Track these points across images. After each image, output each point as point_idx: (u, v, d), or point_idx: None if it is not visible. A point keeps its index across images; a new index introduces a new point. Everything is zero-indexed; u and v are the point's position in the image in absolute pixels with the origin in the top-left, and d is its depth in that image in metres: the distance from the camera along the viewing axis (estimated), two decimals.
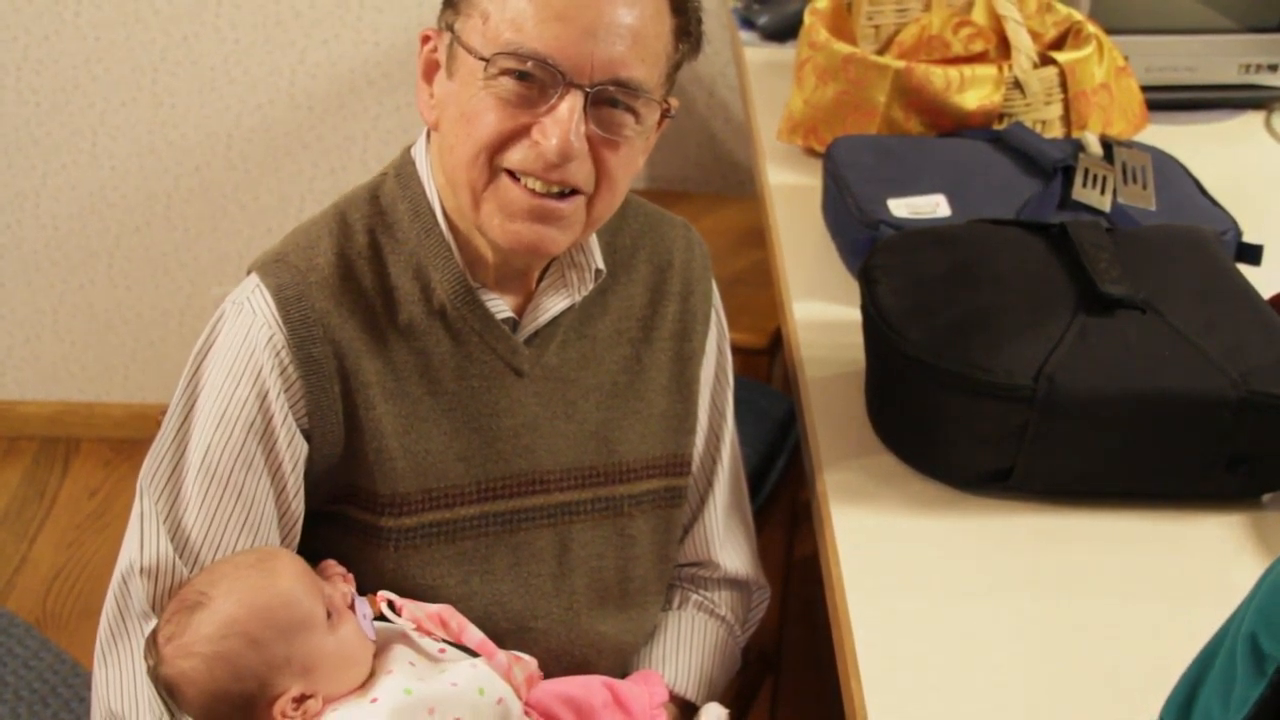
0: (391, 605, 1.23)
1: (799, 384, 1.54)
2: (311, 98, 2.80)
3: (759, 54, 2.39)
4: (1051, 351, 1.33)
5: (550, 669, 1.31)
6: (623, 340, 1.35)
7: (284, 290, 1.22)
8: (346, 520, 1.28)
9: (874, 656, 1.17)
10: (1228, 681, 0.82)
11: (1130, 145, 1.78)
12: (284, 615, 1.14)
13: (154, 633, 1.17)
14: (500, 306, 1.28)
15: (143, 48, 2.74)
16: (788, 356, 1.63)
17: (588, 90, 1.16)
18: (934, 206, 1.68)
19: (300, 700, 1.15)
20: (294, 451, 1.22)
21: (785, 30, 2.38)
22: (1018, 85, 1.84)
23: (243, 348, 1.21)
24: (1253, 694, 0.79)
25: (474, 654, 1.22)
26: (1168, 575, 1.28)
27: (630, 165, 1.23)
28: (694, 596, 1.46)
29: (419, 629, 1.23)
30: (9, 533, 2.81)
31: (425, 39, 1.25)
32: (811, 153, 1.96)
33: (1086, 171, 1.69)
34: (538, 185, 1.19)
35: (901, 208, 1.67)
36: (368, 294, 1.25)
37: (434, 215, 1.27)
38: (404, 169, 1.29)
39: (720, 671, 1.44)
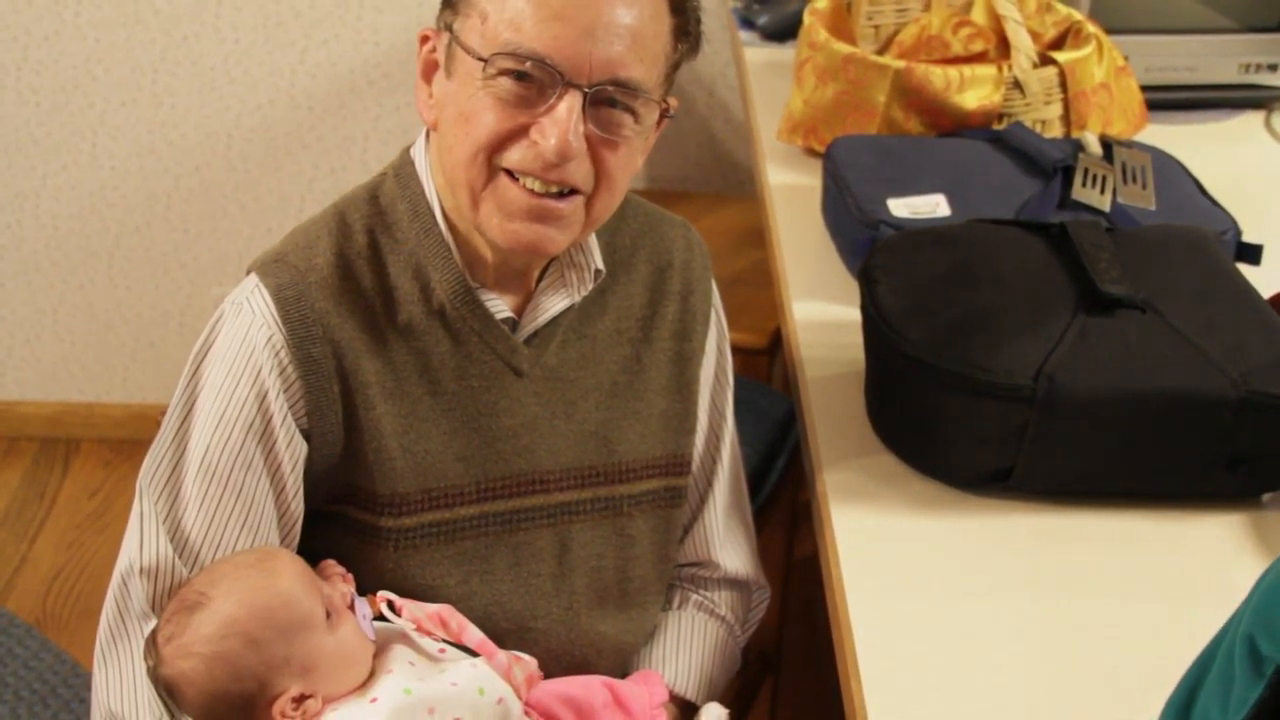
0: (391, 605, 1.23)
1: (799, 384, 1.54)
2: (311, 98, 2.80)
3: (759, 54, 2.39)
4: (1051, 351, 1.33)
5: (550, 669, 1.31)
6: (622, 340, 1.35)
7: (283, 290, 1.22)
8: (346, 520, 1.28)
9: (874, 656, 1.17)
10: (1226, 684, 0.82)
11: (1130, 145, 1.78)
12: (284, 615, 1.14)
13: (153, 633, 1.17)
14: (500, 306, 1.28)
15: (143, 48, 2.74)
16: (788, 356, 1.63)
17: (586, 90, 1.16)
18: (934, 206, 1.67)
19: (300, 700, 1.15)
20: (293, 451, 1.22)
21: (785, 30, 2.38)
22: (1017, 85, 1.84)
23: (242, 348, 1.21)
24: (1251, 696, 0.79)
25: (474, 654, 1.22)
26: (1168, 575, 1.28)
27: (629, 165, 1.23)
28: (694, 596, 1.46)
29: (419, 629, 1.23)
30: (9, 533, 2.81)
31: (424, 39, 1.25)
32: (811, 153, 1.96)
33: (1086, 171, 1.69)
34: (536, 185, 1.19)
35: (901, 208, 1.67)
36: (367, 294, 1.25)
37: (433, 215, 1.27)
38: (403, 169, 1.29)
39: (720, 671, 1.44)
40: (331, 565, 1.26)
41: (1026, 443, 1.32)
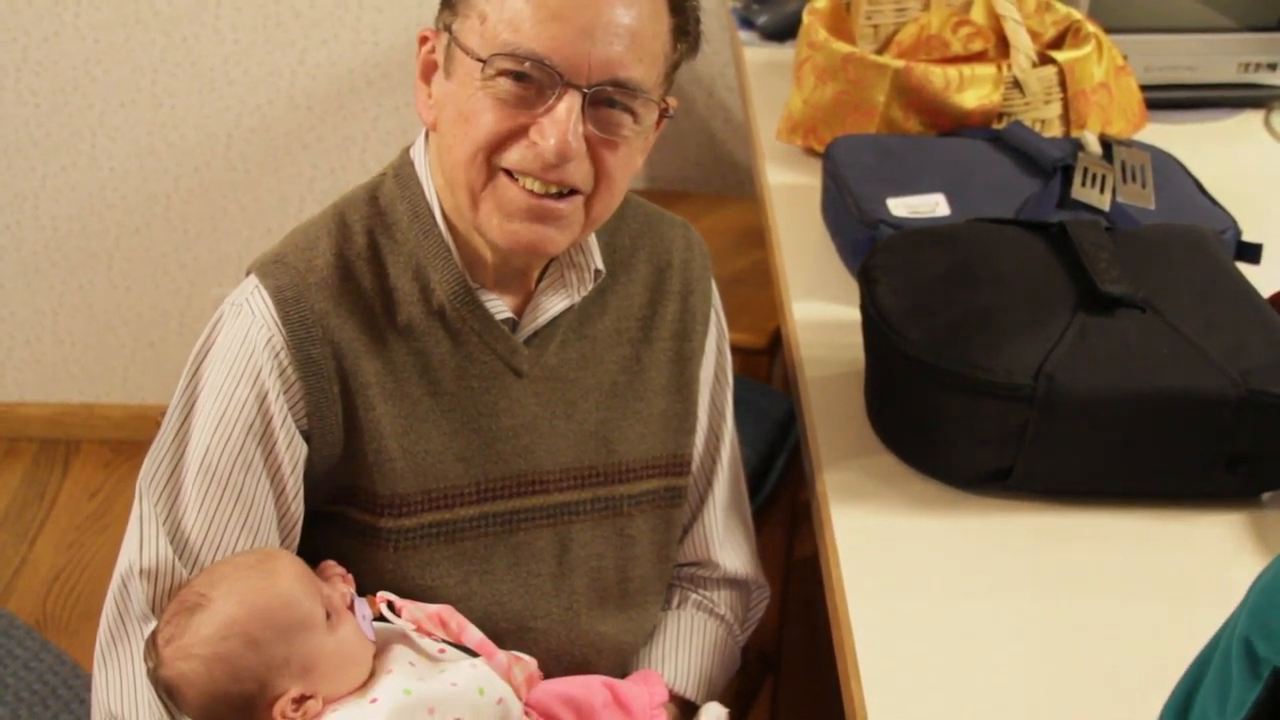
0: (391, 606, 1.23)
1: (799, 384, 1.54)
2: (311, 98, 2.80)
3: (758, 54, 2.39)
4: (1051, 351, 1.33)
5: (550, 669, 1.31)
6: (622, 340, 1.35)
7: (283, 291, 1.22)
8: (346, 521, 1.28)
9: (874, 656, 1.17)
10: (1223, 686, 0.82)
11: (1129, 144, 1.78)
12: (283, 616, 1.14)
13: (153, 634, 1.17)
14: (499, 307, 1.28)
15: (142, 49, 2.74)
16: (787, 356, 1.63)
17: (585, 91, 1.16)
18: (933, 206, 1.67)
19: (300, 701, 1.15)
20: (293, 452, 1.22)
21: (784, 30, 2.37)
22: (1017, 84, 1.84)
23: (242, 349, 1.21)
24: (1249, 697, 0.79)
25: (474, 654, 1.22)
26: (1168, 575, 1.28)
27: (629, 165, 1.23)
28: (693, 596, 1.46)
29: (419, 629, 1.23)
30: (9, 534, 2.81)
31: (423, 39, 1.25)
32: (811, 152, 1.96)
33: (1086, 171, 1.69)
34: (536, 185, 1.19)
35: (901, 207, 1.67)
36: (367, 295, 1.25)
37: (433, 216, 1.27)
38: (403, 169, 1.29)
39: (720, 671, 1.44)
40: (331, 566, 1.26)
41: (1026, 442, 1.32)
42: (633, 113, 1.20)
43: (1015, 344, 1.33)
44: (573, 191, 1.20)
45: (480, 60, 1.17)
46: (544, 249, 1.22)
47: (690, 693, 1.40)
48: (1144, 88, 2.01)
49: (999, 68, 1.85)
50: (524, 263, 1.28)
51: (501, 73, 1.16)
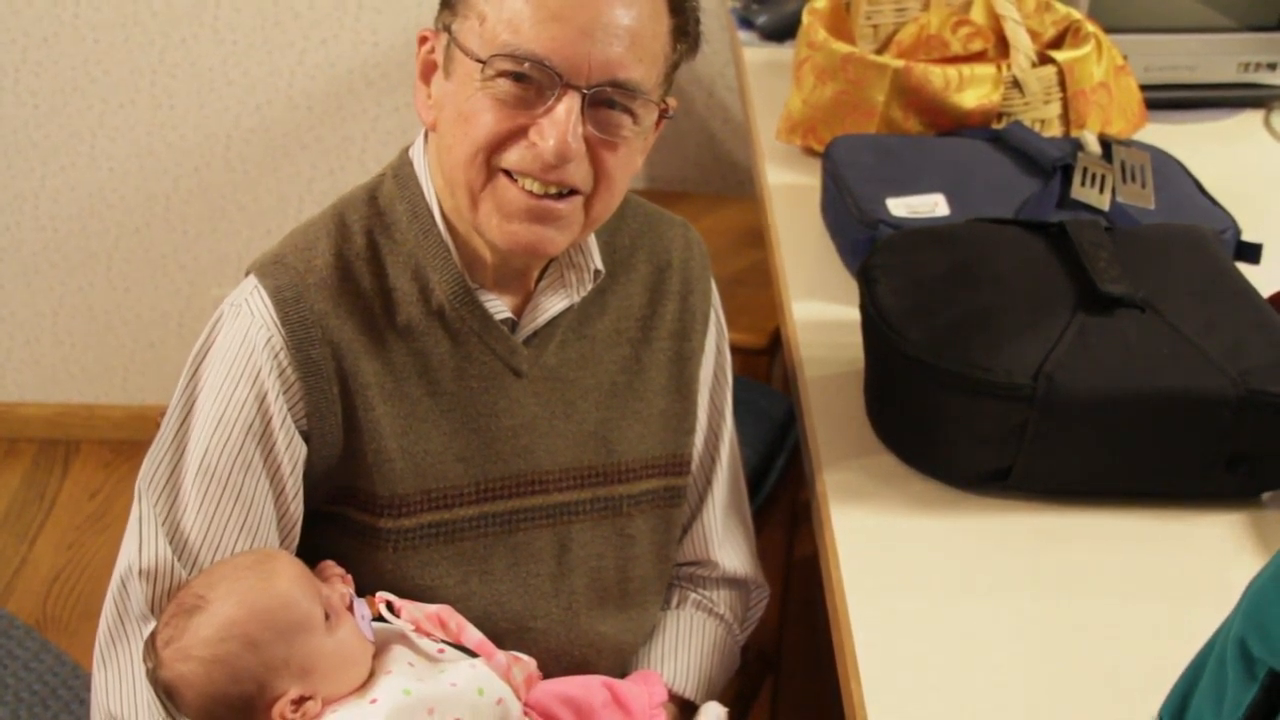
0: (390, 606, 1.23)
1: (798, 384, 1.54)
2: (310, 99, 2.80)
3: (758, 54, 2.39)
4: (1051, 351, 1.32)
5: (549, 669, 1.31)
6: (622, 340, 1.34)
7: (282, 292, 1.22)
8: (345, 521, 1.27)
9: (874, 657, 1.17)
10: (1219, 687, 0.82)
11: (1129, 144, 1.78)
12: (282, 617, 1.14)
13: (152, 635, 1.17)
14: (499, 307, 1.28)
15: (141, 49, 2.74)
16: (787, 356, 1.63)
17: (585, 91, 1.16)
18: (933, 206, 1.67)
19: (299, 702, 1.15)
20: (293, 453, 1.22)
21: (784, 30, 2.37)
22: (1016, 84, 1.84)
23: (241, 349, 1.21)
24: (1244, 698, 0.79)
25: (473, 654, 1.22)
26: (1168, 575, 1.28)
27: (628, 165, 1.23)
28: (693, 596, 1.46)
29: (418, 630, 1.22)
30: (9, 534, 2.81)
31: (422, 40, 1.25)
32: (810, 152, 1.96)
33: (1085, 170, 1.68)
34: (535, 186, 1.18)
35: (900, 207, 1.67)
36: (366, 295, 1.25)
37: (432, 216, 1.27)
38: (402, 170, 1.29)
39: (719, 670, 1.44)
40: (330, 566, 1.25)
41: (1026, 442, 1.32)
42: (632, 113, 1.20)
43: (1015, 344, 1.33)
44: (572, 192, 1.20)
45: (480, 61, 1.16)
46: (543, 249, 1.22)
47: (690, 692, 1.40)
48: (1144, 87, 2.01)
49: (998, 68, 1.85)
50: (523, 263, 1.28)
51: (501, 73, 1.16)
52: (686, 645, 1.42)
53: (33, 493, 2.93)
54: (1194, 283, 1.42)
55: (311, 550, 1.26)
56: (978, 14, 2.00)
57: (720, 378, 1.43)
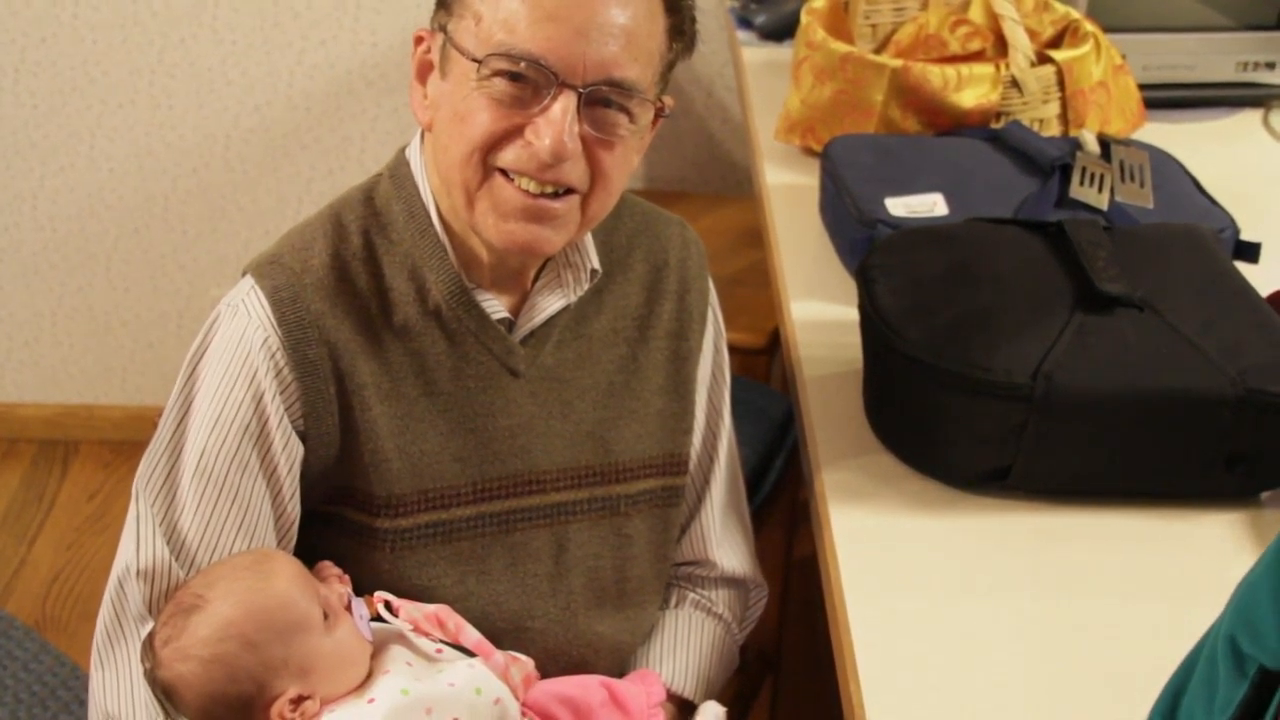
0: (388, 606, 1.23)
1: (797, 384, 1.54)
2: (309, 99, 2.80)
3: (756, 54, 2.39)
4: (1049, 350, 1.32)
5: (548, 669, 1.31)
6: (619, 340, 1.34)
7: (279, 292, 1.22)
8: (343, 521, 1.27)
9: (872, 657, 1.17)
10: (1210, 685, 0.82)
11: (1128, 143, 1.78)
12: (281, 617, 1.14)
13: (150, 635, 1.17)
14: (495, 307, 1.28)
15: (140, 50, 2.74)
16: (786, 356, 1.63)
17: (581, 91, 1.16)
18: (932, 205, 1.67)
19: (298, 702, 1.15)
20: (289, 453, 1.22)
21: (782, 30, 2.37)
22: (1015, 84, 1.84)
23: (238, 350, 1.21)
24: (1235, 696, 0.79)
25: (471, 654, 1.22)
26: (1167, 574, 1.28)
27: (625, 164, 1.23)
28: (691, 595, 1.46)
29: (416, 629, 1.22)
30: (8, 535, 2.80)
31: (418, 40, 1.25)
32: (809, 152, 1.96)
33: (1084, 170, 1.68)
34: (531, 185, 1.18)
35: (899, 207, 1.67)
36: (363, 295, 1.25)
37: (429, 216, 1.26)
38: (398, 170, 1.29)
39: (718, 670, 1.44)
40: (328, 566, 1.25)
41: (1025, 442, 1.32)
42: (628, 112, 1.20)
43: (1014, 343, 1.33)
44: (569, 191, 1.20)
45: (475, 60, 1.16)
46: (540, 249, 1.22)
47: (688, 692, 1.40)
48: (1142, 87, 2.01)
49: (997, 67, 1.84)
50: (520, 262, 1.28)
51: (497, 73, 1.16)
52: (685, 645, 1.42)
53: (32, 493, 2.93)
54: (1193, 282, 1.42)
55: (309, 550, 1.26)
56: (976, 13, 2.00)
57: (718, 377, 1.43)
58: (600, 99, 1.17)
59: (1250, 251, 1.63)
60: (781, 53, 2.32)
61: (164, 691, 1.16)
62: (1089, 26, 1.94)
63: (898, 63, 1.84)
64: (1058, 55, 1.87)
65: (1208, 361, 1.32)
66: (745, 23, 2.46)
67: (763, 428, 1.98)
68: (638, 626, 1.40)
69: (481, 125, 1.17)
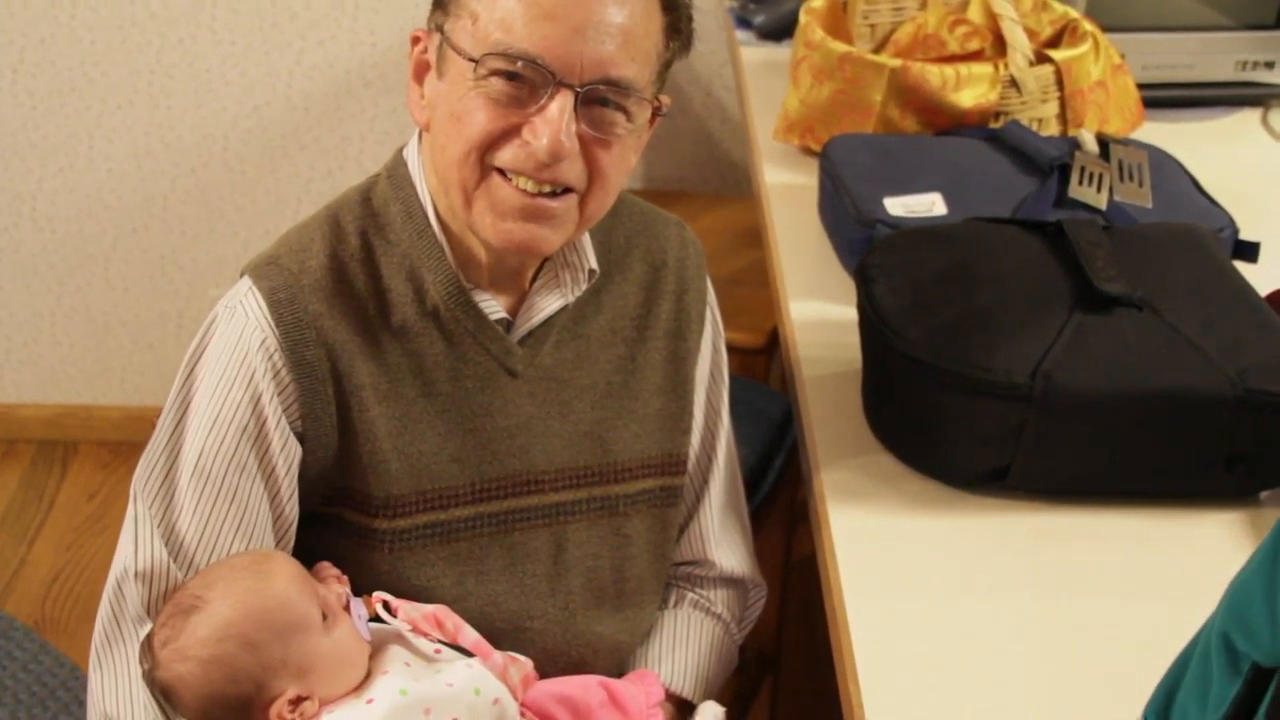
0: (387, 606, 1.23)
1: (796, 383, 1.54)
2: (308, 99, 2.80)
3: (755, 53, 2.39)
4: (1049, 350, 1.32)
5: (546, 669, 1.31)
6: (617, 340, 1.34)
7: (276, 293, 1.22)
8: (341, 522, 1.27)
9: (872, 656, 1.17)
10: (1204, 682, 0.82)
11: (1127, 143, 1.78)
12: (279, 618, 1.14)
13: (149, 636, 1.17)
14: (493, 307, 1.28)
15: (139, 50, 2.74)
16: (785, 356, 1.63)
17: (578, 90, 1.16)
18: (930, 205, 1.67)
19: (296, 702, 1.15)
20: (288, 454, 1.22)
21: (781, 29, 2.37)
22: (1014, 83, 1.84)
23: (235, 351, 1.21)
24: (1229, 693, 0.79)
25: (470, 654, 1.22)
26: (1167, 574, 1.28)
27: (623, 163, 1.23)
28: (690, 595, 1.46)
29: (415, 630, 1.22)
30: (7, 535, 2.80)
31: (415, 40, 1.25)
32: (808, 152, 1.96)
33: (1083, 169, 1.68)
34: (529, 185, 1.18)
35: (898, 206, 1.67)
36: (360, 296, 1.24)
37: (426, 216, 1.26)
38: (396, 170, 1.29)
39: (717, 670, 1.44)
40: (326, 567, 1.25)
41: (1024, 442, 1.32)
42: (626, 111, 1.20)
43: (1013, 343, 1.33)
44: (566, 190, 1.20)
45: (472, 60, 1.16)
46: (537, 248, 1.22)
47: (687, 692, 1.40)
48: (1141, 86, 2.01)
49: (996, 67, 1.84)
50: (518, 262, 1.27)
51: (494, 72, 1.16)
52: (684, 645, 1.42)
53: (31, 494, 2.93)
54: (1192, 282, 1.42)
55: (308, 551, 1.26)
56: (975, 13, 2.00)
57: (716, 377, 1.43)
58: (597, 98, 1.17)
59: (1249, 251, 1.63)
60: (780, 52, 2.32)
61: (163, 692, 1.16)
62: (1088, 26, 1.94)
63: (896, 62, 1.84)
64: (1056, 55, 1.87)
65: (1207, 361, 1.32)
66: (744, 22, 2.46)
67: (762, 427, 1.98)
68: (636, 626, 1.40)
69: (479, 125, 1.17)
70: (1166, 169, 1.76)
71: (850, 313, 1.48)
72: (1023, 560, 1.29)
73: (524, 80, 1.16)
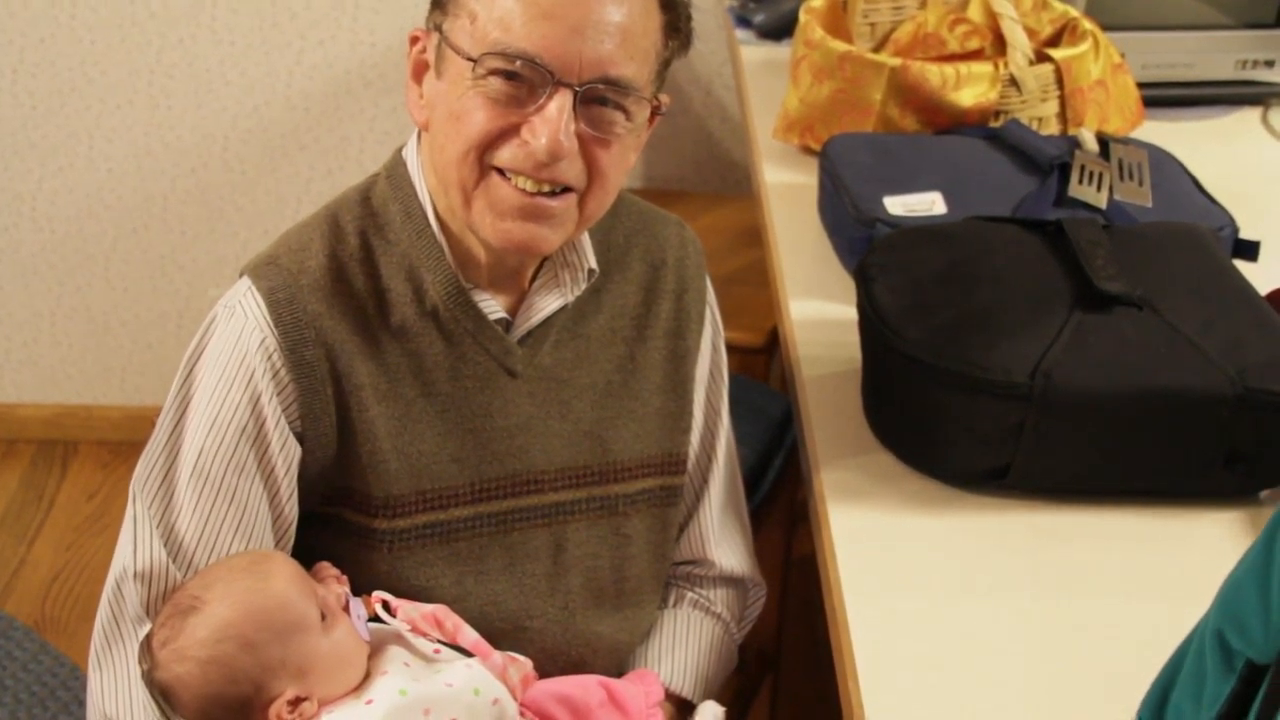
0: (386, 606, 1.23)
1: (796, 383, 1.54)
2: (308, 99, 2.80)
3: (755, 52, 2.39)
4: (1048, 349, 1.32)
5: (546, 669, 1.31)
6: (617, 339, 1.34)
7: (276, 293, 1.22)
8: (341, 522, 1.27)
9: (871, 656, 1.17)
10: (1198, 680, 0.82)
11: (1126, 142, 1.78)
12: (278, 618, 1.14)
13: (148, 637, 1.17)
14: (493, 307, 1.28)
15: (139, 50, 2.74)
16: (785, 355, 1.63)
17: (577, 89, 1.16)
18: (930, 204, 1.67)
19: (295, 703, 1.15)
20: (287, 455, 1.22)
21: (781, 28, 2.37)
22: (1014, 82, 1.84)
23: (235, 351, 1.21)
24: (1223, 690, 0.79)
25: (469, 654, 1.22)
26: (1166, 573, 1.27)
27: (622, 162, 1.23)
28: (689, 594, 1.46)
29: (414, 630, 1.22)
30: (7, 535, 2.80)
31: (414, 40, 1.25)
32: (808, 151, 1.96)
33: (1083, 168, 1.68)
34: (528, 184, 1.18)
35: (898, 206, 1.67)
36: (360, 296, 1.24)
37: (426, 216, 1.26)
38: (395, 170, 1.29)
39: (717, 669, 1.44)
40: (326, 567, 1.25)
41: (1024, 441, 1.32)
42: (625, 110, 1.19)
43: (1012, 342, 1.33)
44: (565, 190, 1.20)
45: (471, 60, 1.16)
46: (536, 247, 1.22)
47: (687, 691, 1.40)
48: (1141, 85, 2.01)
49: (996, 66, 1.84)
50: (517, 262, 1.27)
51: (492, 72, 1.16)
52: (683, 644, 1.42)
53: (31, 494, 2.93)
54: (1191, 281, 1.42)
55: (307, 552, 1.26)
56: (975, 12, 2.00)
57: (716, 376, 1.43)
58: (596, 97, 1.17)
59: (1249, 250, 1.63)
60: (780, 51, 2.32)
61: (162, 693, 1.16)
62: (1087, 25, 1.94)
63: (896, 61, 1.84)
64: (1056, 54, 1.87)
65: (1207, 360, 1.32)
66: (744, 21, 2.46)
67: (761, 427, 1.98)
68: (636, 626, 1.40)
69: (477, 124, 1.17)
70: (1166, 168, 1.76)
71: (850, 312, 1.48)
72: (1022, 559, 1.29)
73: (523, 80, 1.16)
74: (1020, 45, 1.85)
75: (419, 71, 1.24)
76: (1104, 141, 1.74)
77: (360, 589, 1.25)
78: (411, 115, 1.26)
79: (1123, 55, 1.97)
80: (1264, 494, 1.37)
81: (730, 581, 1.47)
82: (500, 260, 1.26)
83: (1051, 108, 1.87)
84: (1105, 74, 1.91)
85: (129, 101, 2.78)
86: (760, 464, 1.95)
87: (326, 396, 1.22)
